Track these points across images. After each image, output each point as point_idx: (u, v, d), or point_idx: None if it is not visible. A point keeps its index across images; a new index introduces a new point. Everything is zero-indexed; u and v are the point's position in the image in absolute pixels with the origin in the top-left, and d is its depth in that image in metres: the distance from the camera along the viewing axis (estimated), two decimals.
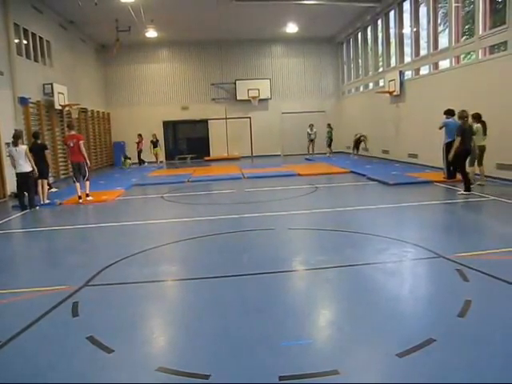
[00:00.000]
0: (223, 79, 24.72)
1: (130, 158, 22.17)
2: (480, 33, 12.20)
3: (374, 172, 13.99)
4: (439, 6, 14.78)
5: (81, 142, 11.09)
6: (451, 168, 11.26)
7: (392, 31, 18.51)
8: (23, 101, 13.93)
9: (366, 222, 7.87)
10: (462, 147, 9.73)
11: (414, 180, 12.00)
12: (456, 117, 10.70)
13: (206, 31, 21.80)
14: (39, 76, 15.68)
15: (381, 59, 20.04)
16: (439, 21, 14.87)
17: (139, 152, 22.40)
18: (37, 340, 3.75)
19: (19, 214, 10.11)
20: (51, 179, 13.85)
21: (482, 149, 10.51)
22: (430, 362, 3.10)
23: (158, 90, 24.62)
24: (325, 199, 10.63)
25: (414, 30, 16.37)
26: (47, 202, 11.02)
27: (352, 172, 14.83)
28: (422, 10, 15.91)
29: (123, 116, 24.18)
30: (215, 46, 24.33)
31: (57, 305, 4.44)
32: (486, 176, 10.95)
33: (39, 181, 10.95)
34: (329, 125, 22.66)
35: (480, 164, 10.65)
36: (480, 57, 12.41)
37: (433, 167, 13.38)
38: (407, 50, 17.29)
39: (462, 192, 9.71)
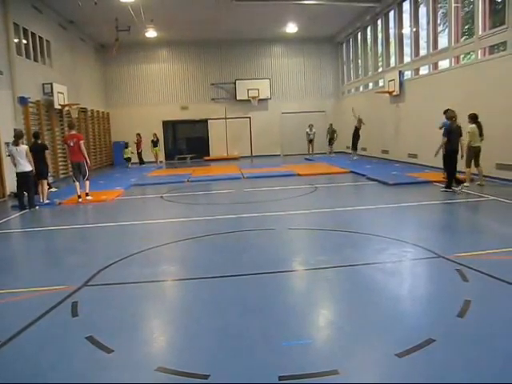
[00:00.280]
0: (223, 79, 24.72)
1: (130, 158, 22.17)
2: (479, 33, 12.21)
3: (374, 172, 14.00)
4: (439, 6, 14.79)
5: (81, 142, 11.09)
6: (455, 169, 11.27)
7: (392, 31, 18.51)
8: (23, 100, 13.92)
9: (365, 222, 7.87)
10: (449, 147, 10.00)
11: (414, 180, 12.01)
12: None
13: (205, 31, 21.79)
14: (39, 76, 15.68)
15: (380, 59, 20.05)
16: (439, 21, 14.87)
17: (139, 152, 22.44)
18: (36, 340, 3.75)
19: (18, 213, 10.10)
20: (51, 179, 13.85)
21: (478, 150, 10.51)
22: (430, 362, 3.11)
23: (158, 90, 24.63)
24: (324, 199, 10.62)
25: (414, 30, 16.38)
26: (47, 201, 11.02)
27: (352, 172, 14.83)
28: (422, 10, 15.92)
29: (123, 116, 24.17)
30: (215, 46, 24.33)
31: (56, 305, 4.44)
32: (485, 176, 10.96)
33: (39, 181, 10.96)
34: (331, 125, 22.64)
35: (477, 165, 10.66)
36: (479, 57, 12.42)
37: (432, 167, 13.38)
38: (407, 50, 17.29)
39: (445, 188, 10.23)
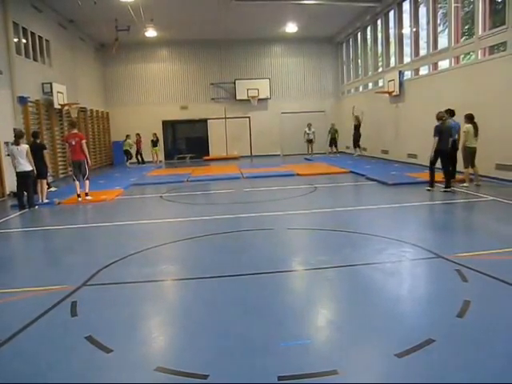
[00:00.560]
0: (222, 79, 24.71)
1: (129, 152, 22.12)
2: (479, 33, 12.20)
3: (374, 172, 14.00)
4: (439, 6, 14.78)
5: (83, 142, 11.09)
6: (450, 168, 11.27)
7: (392, 31, 18.50)
8: (22, 100, 13.91)
9: (365, 222, 7.87)
10: (439, 147, 10.15)
11: (414, 180, 12.00)
12: (454, 117, 10.79)
13: (205, 31, 21.80)
14: (38, 75, 15.67)
15: (380, 59, 20.05)
16: (439, 21, 14.87)
17: (139, 152, 22.46)
18: (35, 340, 3.75)
19: (18, 213, 10.09)
20: (50, 178, 13.84)
21: (473, 150, 10.52)
22: (429, 362, 3.10)
23: (158, 90, 24.62)
24: (324, 199, 10.62)
25: (414, 30, 16.37)
26: (46, 201, 11.01)
27: (351, 172, 14.83)
28: (422, 10, 15.92)
29: (122, 115, 24.16)
30: (215, 46, 24.32)
31: (55, 304, 4.43)
32: (484, 176, 10.97)
33: (38, 180, 10.95)
34: (333, 125, 22.63)
35: (472, 165, 10.67)
36: (479, 57, 12.41)
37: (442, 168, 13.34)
38: (407, 50, 17.29)
39: (444, 189, 10.26)
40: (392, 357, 3.17)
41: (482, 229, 7.21)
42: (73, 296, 4.65)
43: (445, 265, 5.15)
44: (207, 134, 25.27)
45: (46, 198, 11.14)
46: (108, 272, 5.47)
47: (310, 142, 22.53)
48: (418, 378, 2.97)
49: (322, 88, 25.66)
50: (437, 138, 10.18)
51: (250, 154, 25.19)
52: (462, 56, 13.61)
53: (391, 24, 18.50)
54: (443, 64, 14.56)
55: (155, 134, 22.63)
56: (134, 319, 4.12)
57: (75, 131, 11.43)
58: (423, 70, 16.08)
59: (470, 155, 10.55)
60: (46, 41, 16.65)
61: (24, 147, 10.26)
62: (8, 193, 12.47)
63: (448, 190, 10.23)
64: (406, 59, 17.26)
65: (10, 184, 12.09)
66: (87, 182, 11.20)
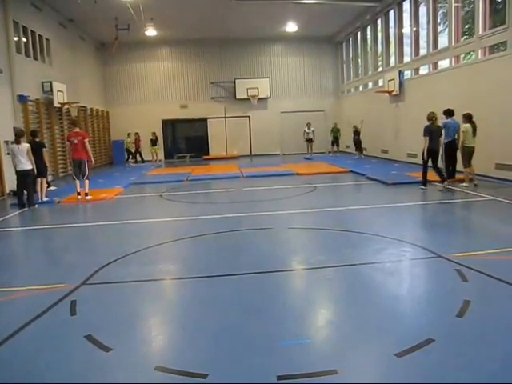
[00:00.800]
0: (222, 78, 24.69)
1: (132, 154, 22.16)
2: (480, 33, 12.20)
3: (373, 171, 14.00)
4: (439, 5, 14.78)
5: (86, 140, 11.09)
6: (450, 168, 11.29)
7: (392, 31, 18.50)
8: (22, 99, 13.90)
9: (364, 222, 7.87)
10: (430, 147, 10.40)
11: (414, 180, 11.98)
12: (451, 116, 10.84)
13: (205, 30, 21.78)
14: (38, 74, 15.65)
15: (380, 59, 20.04)
16: (439, 20, 14.86)
17: (139, 151, 22.47)
18: (35, 339, 3.74)
19: (18, 212, 10.08)
20: (50, 177, 13.83)
21: (471, 150, 10.53)
22: (429, 362, 3.10)
23: (157, 89, 24.61)
24: (323, 199, 10.62)
25: (414, 29, 16.37)
26: (46, 200, 11.01)
27: (351, 171, 14.83)
28: (422, 9, 15.91)
29: (122, 114, 24.15)
30: (215, 45, 24.30)
31: (55, 303, 4.43)
32: (482, 176, 11.00)
33: (38, 179, 10.94)
34: (335, 124, 22.63)
35: (469, 165, 10.68)
36: (480, 57, 12.40)
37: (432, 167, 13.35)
38: (407, 49, 17.28)
39: (442, 186, 10.59)
40: (391, 357, 3.16)
41: (482, 229, 7.21)
42: (72, 295, 4.65)
43: (445, 264, 5.15)
44: (207, 133, 25.26)
45: (46, 197, 11.13)
46: (107, 271, 5.47)
47: (309, 141, 22.53)
48: (417, 377, 2.96)
49: (322, 87, 25.65)
50: (427, 138, 10.42)
51: (249, 154, 25.17)
52: (463, 56, 13.61)
53: (391, 23, 18.49)
54: (443, 64, 14.55)
55: (154, 133, 22.63)
56: (133, 318, 4.12)
57: (77, 130, 11.40)
58: (423, 70, 16.08)
59: (468, 155, 10.56)
60: (46, 40, 16.63)
61: (25, 146, 10.26)
62: (8, 192, 12.46)
63: (424, 188, 10.67)
64: (406, 59, 17.26)
65: (10, 183, 12.07)
66: (87, 181, 11.17)
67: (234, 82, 24.45)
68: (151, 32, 20.61)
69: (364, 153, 20.78)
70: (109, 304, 4.52)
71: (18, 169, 10.27)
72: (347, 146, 22.96)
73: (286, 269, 5.41)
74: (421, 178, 10.91)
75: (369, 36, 20.97)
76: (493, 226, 7.22)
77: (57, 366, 3.31)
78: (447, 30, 14.09)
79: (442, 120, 11.34)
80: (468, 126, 10.46)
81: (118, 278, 5.20)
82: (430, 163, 10.68)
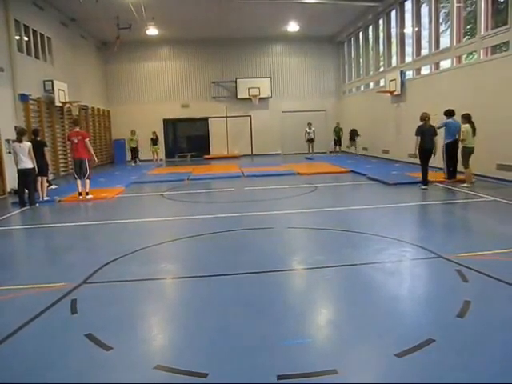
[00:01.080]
0: (224, 77, 24.69)
1: (136, 149, 22.13)
2: (482, 33, 12.18)
3: (374, 171, 13.99)
4: (441, 5, 14.77)
5: (87, 140, 11.05)
6: (451, 168, 11.30)
7: (393, 31, 18.48)
8: (23, 97, 13.92)
9: (365, 222, 7.86)
10: (422, 146, 10.60)
11: (414, 180, 11.97)
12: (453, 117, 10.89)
13: (207, 29, 21.78)
14: (40, 73, 15.67)
15: (382, 59, 20.02)
16: (441, 20, 14.85)
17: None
18: (35, 337, 3.74)
19: (19, 210, 10.09)
20: (51, 176, 13.84)
21: (471, 150, 10.53)
22: (429, 363, 3.10)
23: (159, 88, 24.61)
24: (324, 198, 10.61)
25: (416, 29, 16.35)
26: (46, 198, 11.01)
27: (352, 171, 14.82)
28: (424, 9, 15.90)
29: (123, 114, 24.15)
30: (216, 44, 24.30)
31: (55, 302, 4.43)
32: (483, 176, 11.03)
33: (38, 178, 10.95)
34: (337, 123, 22.65)
35: (466, 166, 10.69)
36: (481, 57, 12.39)
37: (433, 167, 13.34)
38: (408, 49, 17.26)
39: (422, 186, 10.81)
40: (392, 357, 3.16)
41: (482, 229, 7.20)
42: (73, 294, 4.65)
43: (445, 265, 5.14)
44: (208, 133, 25.27)
45: (47, 196, 11.14)
46: (108, 270, 5.47)
47: (310, 141, 22.53)
48: (417, 378, 2.96)
49: (323, 87, 25.63)
50: (419, 138, 10.63)
51: (250, 153, 25.17)
52: (464, 56, 13.59)
53: (393, 23, 18.48)
54: (445, 64, 14.54)
55: (155, 132, 22.57)
56: (133, 317, 4.12)
57: (78, 129, 11.39)
58: (425, 70, 16.06)
59: (468, 155, 10.58)
60: (48, 38, 16.65)
61: (26, 144, 10.27)
62: (9, 190, 12.47)
63: (425, 187, 10.73)
64: (408, 59, 17.24)
65: (11, 181, 12.08)
66: (88, 181, 11.16)
67: (236, 82, 24.44)
68: (153, 31, 20.61)
69: (365, 153, 20.85)
70: (109, 303, 4.52)
71: (20, 167, 10.28)
72: (348, 147, 22.96)
73: (287, 268, 5.41)
74: (421, 178, 10.94)
75: (370, 36, 20.95)
76: (493, 226, 7.21)
77: (57, 364, 3.31)
78: (449, 30, 14.06)
79: (442, 120, 11.37)
80: (468, 126, 10.47)
81: (119, 277, 5.21)
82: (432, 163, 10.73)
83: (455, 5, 13.41)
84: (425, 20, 15.74)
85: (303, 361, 3.22)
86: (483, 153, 11.37)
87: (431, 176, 11.70)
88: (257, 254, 6.04)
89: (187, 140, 25.94)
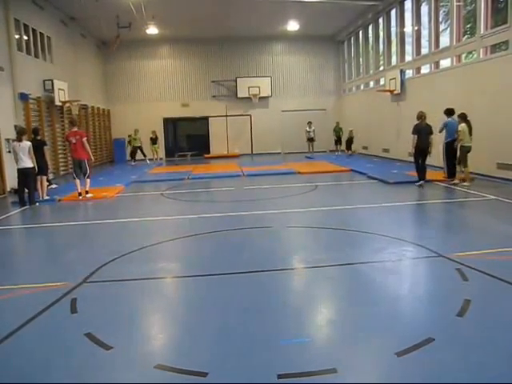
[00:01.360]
0: (224, 76, 24.68)
1: (140, 148, 22.10)
2: (481, 32, 12.18)
3: (375, 171, 13.99)
4: (441, 4, 14.76)
5: (84, 139, 11.03)
6: (451, 167, 11.31)
7: (393, 30, 18.48)
8: (23, 97, 13.91)
9: (365, 221, 7.86)
10: (418, 145, 10.74)
11: (415, 179, 11.95)
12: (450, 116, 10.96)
13: (207, 28, 21.76)
14: (39, 72, 15.66)
15: (382, 58, 20.02)
16: (440, 20, 14.85)
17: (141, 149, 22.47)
18: (35, 337, 3.75)
19: (19, 210, 10.09)
20: (51, 175, 13.83)
21: (468, 149, 10.54)
22: (429, 362, 3.10)
23: (159, 87, 24.60)
24: (324, 197, 10.60)
25: (416, 28, 16.35)
26: (46, 198, 11.01)
27: (352, 170, 14.82)
28: (424, 8, 15.89)
29: (123, 113, 24.15)
30: (216, 43, 24.29)
31: (55, 301, 4.43)
32: (483, 175, 11.04)
33: (38, 177, 10.94)
34: (337, 123, 22.65)
35: (465, 165, 10.69)
36: (481, 56, 12.39)
37: (433, 166, 13.35)
38: (408, 48, 17.27)
39: (419, 183, 10.97)
40: (392, 356, 3.16)
41: (482, 228, 7.19)
42: (73, 293, 4.65)
43: (445, 264, 5.14)
44: (208, 132, 25.27)
45: (47, 195, 11.14)
46: (108, 269, 5.47)
47: (310, 140, 22.51)
48: (417, 377, 2.96)
49: (323, 86, 25.61)
50: (415, 136, 10.77)
51: (250, 152, 25.16)
52: (464, 55, 13.59)
53: (393, 22, 18.48)
54: (445, 63, 14.54)
55: (154, 131, 22.43)
56: (133, 316, 4.12)
57: (75, 129, 11.37)
58: (425, 69, 16.06)
59: (465, 154, 10.60)
60: (48, 38, 16.64)
61: (26, 144, 10.26)
62: (9, 189, 12.47)
63: (419, 184, 10.94)
64: (408, 58, 17.25)
65: (11, 181, 12.08)
66: (88, 180, 11.16)
67: (236, 81, 24.43)
68: (152, 30, 20.59)
69: (365, 152, 20.89)
70: (109, 302, 4.52)
71: (19, 167, 10.27)
72: (348, 156, 23.02)
73: (287, 267, 5.40)
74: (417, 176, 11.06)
75: (370, 35, 20.94)
76: (493, 225, 7.21)
77: (57, 364, 3.31)
78: (449, 29, 14.06)
79: (442, 122, 11.38)
80: (464, 125, 10.50)
81: (119, 276, 5.21)
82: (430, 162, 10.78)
83: (455, 4, 13.41)
84: (425, 19, 15.73)
85: (303, 360, 3.22)
86: (483, 152, 11.39)
87: (431, 175, 11.72)
88: (257, 253, 6.04)
89: (187, 139, 25.93)
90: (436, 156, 11.68)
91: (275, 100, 24.81)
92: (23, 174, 10.26)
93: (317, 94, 25.42)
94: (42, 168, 10.89)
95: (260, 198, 10.53)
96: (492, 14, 11.99)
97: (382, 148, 19.54)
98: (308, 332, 3.72)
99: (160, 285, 5.11)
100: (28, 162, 10.22)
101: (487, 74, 11.83)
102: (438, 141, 11.33)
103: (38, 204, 10.48)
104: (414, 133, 10.87)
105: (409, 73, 17.08)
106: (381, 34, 19.76)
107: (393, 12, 18.27)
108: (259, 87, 24.25)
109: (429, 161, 11.28)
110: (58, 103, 16.26)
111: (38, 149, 10.79)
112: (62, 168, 17.03)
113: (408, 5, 16.94)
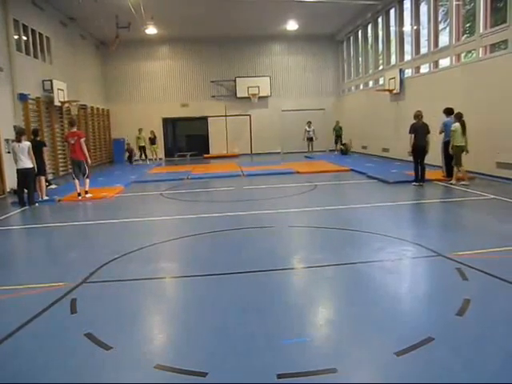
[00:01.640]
0: (223, 76, 24.68)
1: (144, 148, 22.08)
2: (481, 31, 12.18)
3: (374, 170, 13.98)
4: (440, 4, 14.75)
5: (82, 140, 11.03)
6: (449, 166, 11.34)
7: (392, 29, 18.47)
8: (22, 97, 13.91)
9: (365, 220, 7.85)
10: (415, 144, 10.87)
11: (414, 178, 11.98)
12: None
13: (206, 28, 21.76)
14: (39, 72, 15.65)
15: (381, 57, 20.02)
16: (440, 19, 14.84)
17: (132, 150, 22.48)
18: (35, 337, 3.75)
19: (18, 210, 10.09)
20: (50, 176, 13.83)
21: (461, 149, 10.57)
22: (429, 361, 3.10)
23: (158, 87, 24.60)
24: (324, 197, 10.61)
25: (415, 28, 16.35)
26: (46, 198, 11.01)
27: (352, 170, 14.82)
28: (423, 7, 15.89)
29: (123, 113, 24.15)
30: (215, 43, 24.29)
31: (55, 301, 4.43)
32: (483, 174, 11.04)
33: (38, 177, 10.94)
34: (337, 122, 22.65)
35: (460, 165, 10.70)
36: (480, 55, 12.38)
37: (432, 166, 13.36)
38: (407, 48, 17.27)
39: (414, 183, 11.10)
40: (392, 355, 3.16)
41: (482, 227, 7.19)
42: (72, 293, 4.65)
43: (445, 263, 5.15)
44: (207, 132, 25.27)
45: (46, 196, 11.13)
46: (108, 269, 5.47)
47: (310, 139, 22.51)
48: (417, 376, 2.96)
49: (323, 86, 25.62)
50: (412, 135, 10.89)
51: (250, 152, 25.12)
52: (463, 54, 13.58)
53: (392, 22, 18.47)
54: (444, 62, 14.53)
55: (153, 131, 22.38)
56: (133, 316, 4.12)
57: (74, 130, 11.38)
58: (424, 68, 16.06)
59: (459, 153, 10.63)
60: (47, 38, 16.64)
61: (25, 144, 10.26)
62: (8, 190, 12.46)
63: (417, 184, 11.01)
64: (407, 57, 17.24)
65: (11, 181, 12.07)
66: (87, 180, 11.17)
67: (235, 81, 24.44)
68: (152, 30, 20.56)
69: (364, 151, 20.99)
70: (109, 302, 4.52)
71: (19, 167, 10.27)
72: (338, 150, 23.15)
73: (287, 267, 5.40)
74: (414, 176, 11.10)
75: (369, 34, 20.94)
76: (493, 224, 7.21)
77: (57, 364, 3.31)
78: (448, 28, 14.07)
79: (441, 122, 11.39)
80: (457, 125, 10.53)
81: (119, 277, 5.21)
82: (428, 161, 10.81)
83: (454, 3, 13.42)
84: (424, 18, 15.73)
85: (303, 360, 3.22)
86: (483, 151, 11.39)
87: (430, 175, 11.72)
88: (256, 252, 6.04)
89: (187, 139, 25.94)
90: (434, 155, 11.69)
91: (274, 100, 24.81)
92: (23, 174, 10.26)
93: (316, 93, 25.42)
94: (40, 168, 10.89)
95: (259, 198, 10.52)
96: (491, 13, 11.99)
97: (382, 147, 19.54)
98: (308, 332, 3.72)
99: (160, 285, 5.10)
100: (27, 163, 10.22)
101: (487, 73, 11.83)
102: (434, 140, 11.34)
103: (37, 204, 10.48)
104: (410, 132, 10.99)
105: (408, 72, 17.08)
106: (380, 33, 19.76)
107: (392, 11, 18.27)
108: (258, 87, 24.26)
109: (427, 160, 11.28)
110: (57, 103, 16.26)
111: (37, 149, 10.79)
112: (61, 168, 17.02)
113: (407, 4, 16.93)
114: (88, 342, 3.56)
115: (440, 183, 11.20)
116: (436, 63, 15.06)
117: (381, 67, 19.99)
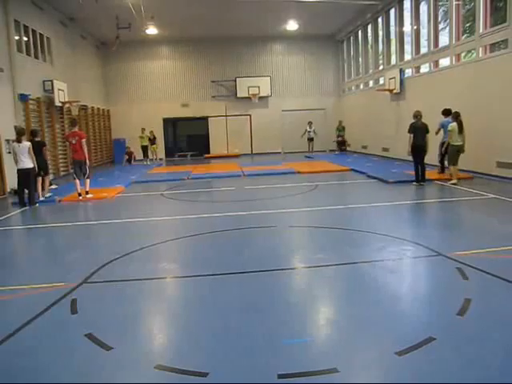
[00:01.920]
0: (223, 76, 24.67)
1: (146, 147, 21.99)
2: (480, 31, 12.17)
3: (374, 170, 13.98)
4: (440, 3, 14.75)
5: (83, 140, 11.03)
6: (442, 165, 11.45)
7: (392, 29, 18.47)
8: (23, 97, 13.91)
9: (365, 220, 7.85)
10: (415, 143, 10.90)
11: (414, 178, 11.98)
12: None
13: (206, 28, 21.76)
14: (39, 73, 15.66)
15: (381, 57, 20.01)
16: (440, 19, 14.84)
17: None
18: (35, 337, 3.75)
19: (19, 210, 10.09)
20: (50, 176, 13.82)
21: (458, 148, 10.58)
22: (430, 361, 3.10)
23: (158, 87, 24.60)
24: (324, 197, 10.61)
25: (415, 27, 16.34)
26: (47, 196, 11.02)
27: (352, 170, 14.82)
28: (423, 7, 15.89)
29: (123, 113, 24.15)
30: (215, 43, 24.28)
31: (55, 302, 4.43)
32: (483, 174, 11.05)
33: (42, 177, 10.96)
34: (340, 122, 22.65)
35: (454, 163, 10.72)
36: (480, 55, 12.38)
37: (433, 165, 13.36)
38: (407, 47, 17.27)
39: (414, 183, 11.11)
40: (392, 355, 3.16)
41: (482, 227, 7.19)
42: (73, 293, 4.65)
43: (445, 263, 5.14)
44: (208, 132, 25.26)
45: (46, 195, 11.13)
46: (108, 269, 5.47)
47: (310, 139, 22.51)
48: (418, 376, 2.96)
49: (323, 86, 25.61)
50: (411, 135, 10.92)
51: (250, 152, 25.14)
52: (463, 54, 13.58)
53: (392, 22, 18.47)
54: (444, 62, 14.53)
55: (152, 131, 22.31)
56: (134, 317, 4.12)
57: (75, 130, 11.38)
58: (424, 68, 16.06)
59: (456, 153, 10.63)
60: (47, 38, 16.64)
61: (26, 144, 10.27)
62: (9, 190, 12.47)
63: (417, 184, 10.99)
64: (407, 57, 17.24)
65: (11, 181, 12.08)
66: (88, 180, 11.17)
67: (235, 81, 24.43)
68: (152, 30, 20.58)
69: (364, 151, 20.96)
70: (110, 302, 4.52)
71: (19, 167, 10.28)
72: (349, 145, 23.00)
73: (288, 267, 5.40)
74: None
75: (370, 34, 20.94)
76: (493, 223, 7.21)
77: (57, 364, 3.31)
78: (448, 28, 14.06)
79: (438, 122, 11.42)
80: (454, 124, 10.54)
81: (119, 277, 5.21)
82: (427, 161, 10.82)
83: (454, 3, 13.41)
84: (424, 18, 15.73)
85: (304, 359, 3.22)
86: (483, 151, 11.39)
87: (430, 174, 11.73)
88: (257, 252, 6.04)
89: (187, 139, 25.95)
90: (434, 155, 11.71)
91: (275, 100, 24.80)
92: (23, 174, 10.26)
93: (316, 93, 25.41)
94: (44, 168, 10.91)
95: (260, 198, 10.52)
96: (491, 12, 11.99)
97: (382, 147, 19.54)
98: (309, 331, 3.72)
99: (160, 285, 5.10)
100: (28, 163, 10.23)
101: (487, 72, 11.83)
102: (433, 140, 11.36)
103: (37, 204, 10.48)
104: (410, 132, 11.01)
105: (408, 72, 17.08)
106: (380, 33, 19.76)
107: (392, 11, 18.27)
108: (259, 87, 24.25)
109: (427, 160, 11.29)
110: (57, 104, 16.27)
111: (36, 149, 10.79)
112: (62, 168, 17.03)
113: (407, 4, 16.93)
114: (88, 342, 3.56)
115: (440, 183, 11.19)
116: (436, 63, 15.06)
117: (381, 67, 19.99)
